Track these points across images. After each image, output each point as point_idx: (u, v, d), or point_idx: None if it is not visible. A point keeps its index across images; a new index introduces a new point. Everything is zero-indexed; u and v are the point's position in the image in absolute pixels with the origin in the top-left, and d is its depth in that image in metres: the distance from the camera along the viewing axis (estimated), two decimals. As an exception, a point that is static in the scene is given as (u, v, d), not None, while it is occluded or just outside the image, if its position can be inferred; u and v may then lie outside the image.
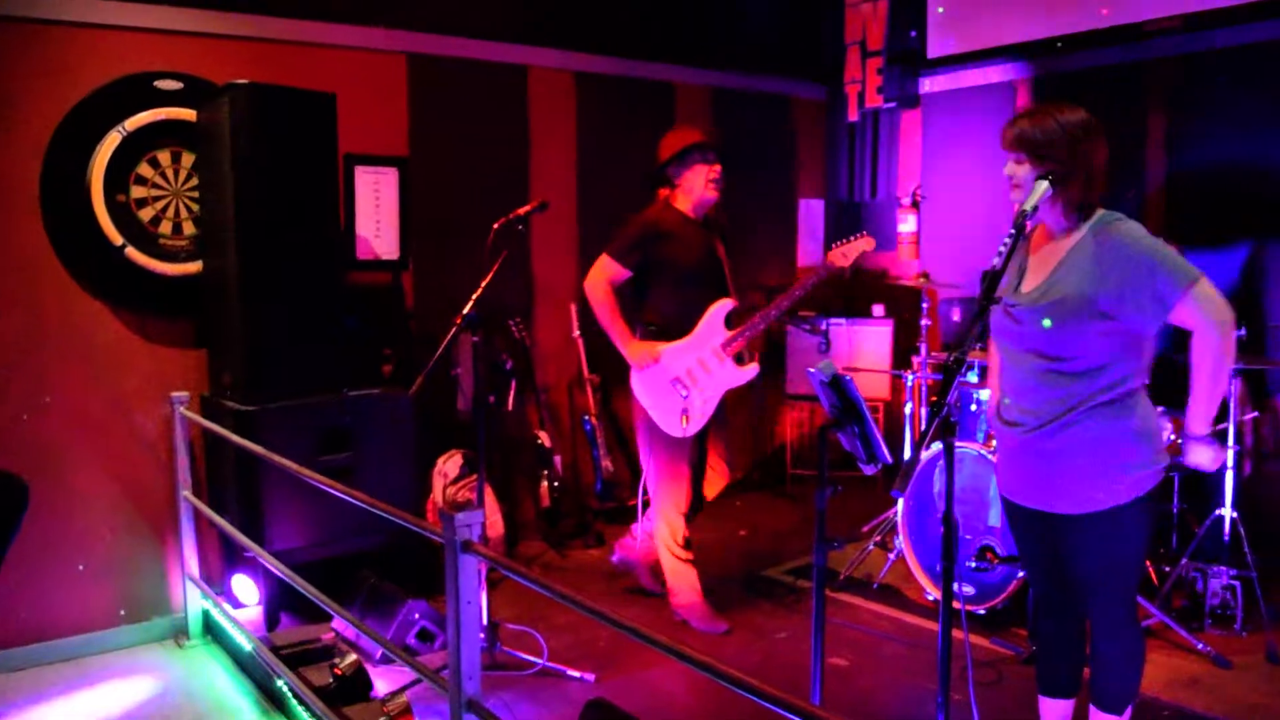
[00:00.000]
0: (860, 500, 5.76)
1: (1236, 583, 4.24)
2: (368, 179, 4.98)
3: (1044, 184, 2.57)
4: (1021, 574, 4.18)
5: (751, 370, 4.31)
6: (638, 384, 4.34)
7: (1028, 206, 2.52)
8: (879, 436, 2.38)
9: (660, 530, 4.45)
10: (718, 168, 4.32)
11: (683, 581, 4.46)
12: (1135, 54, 5.67)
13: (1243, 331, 4.29)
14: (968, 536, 4.38)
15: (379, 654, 4.00)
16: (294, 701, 3.62)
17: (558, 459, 5.58)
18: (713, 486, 4.60)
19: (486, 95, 5.59)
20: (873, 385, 6.63)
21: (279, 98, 4.15)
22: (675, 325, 4.33)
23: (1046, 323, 2.63)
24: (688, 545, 4.46)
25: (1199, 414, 2.66)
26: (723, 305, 4.32)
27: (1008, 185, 2.72)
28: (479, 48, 5.50)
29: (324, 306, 4.32)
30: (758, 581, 5.01)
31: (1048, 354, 2.68)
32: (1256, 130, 5.22)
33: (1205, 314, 2.54)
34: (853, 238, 4.18)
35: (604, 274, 4.33)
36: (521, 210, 4.07)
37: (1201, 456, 2.70)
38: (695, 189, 4.33)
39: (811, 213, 7.23)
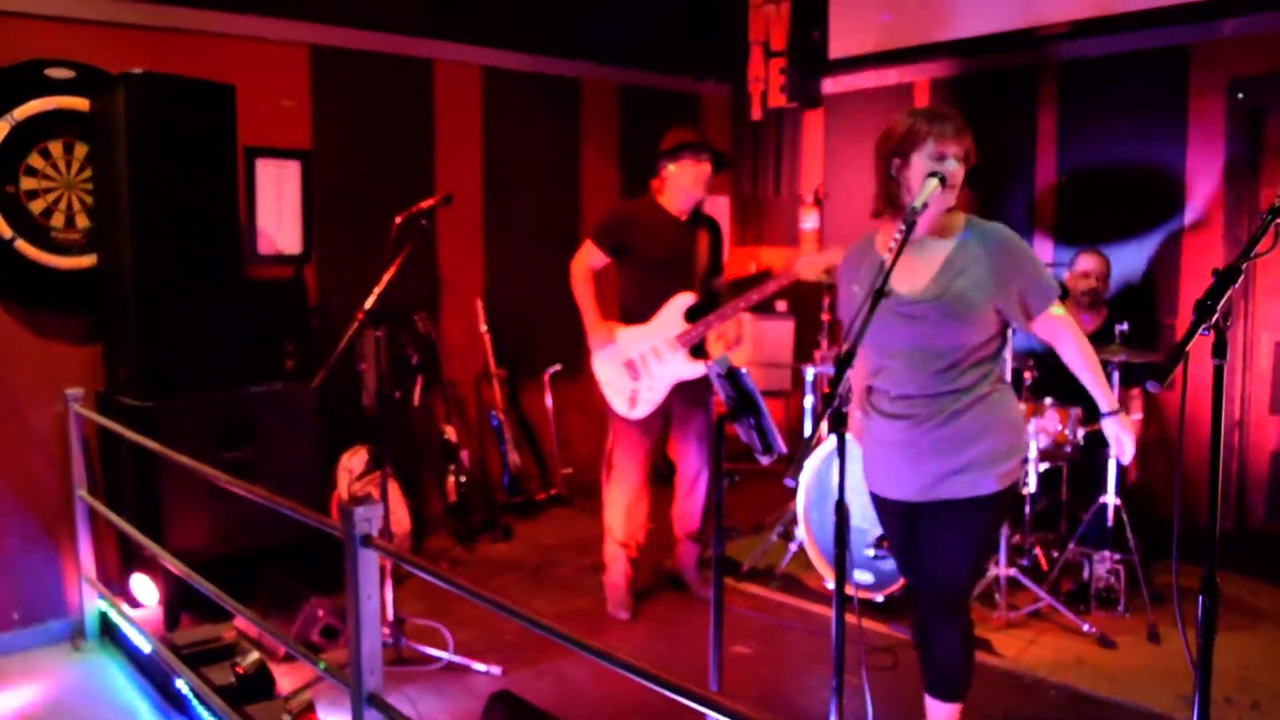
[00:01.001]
0: (763, 492, 5.86)
1: (1120, 566, 4.44)
2: (269, 172, 4.92)
3: (934, 181, 2.64)
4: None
5: (700, 366, 4.41)
6: (596, 362, 4.52)
7: (918, 204, 2.59)
8: (773, 427, 2.45)
9: (608, 509, 4.62)
10: (707, 167, 4.42)
11: (615, 563, 4.61)
12: (1029, 58, 5.87)
13: (1125, 325, 4.50)
14: (865, 525, 4.49)
15: (283, 652, 3.97)
16: (195, 702, 3.57)
17: (464, 454, 5.58)
18: (690, 492, 4.76)
19: (391, 88, 5.54)
20: (775, 379, 6.75)
21: (176, 88, 4.08)
22: (636, 313, 4.48)
23: (946, 318, 2.73)
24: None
25: (1104, 395, 2.84)
26: (683, 298, 4.43)
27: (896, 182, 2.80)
28: (384, 40, 5.46)
29: (223, 301, 4.25)
30: (664, 574, 5.06)
31: (934, 349, 2.77)
32: (1141, 133, 5.45)
33: (1068, 324, 2.81)
34: (824, 250, 4.33)
35: (584, 257, 4.52)
36: (425, 204, 4.06)
37: (1123, 427, 2.85)
38: (682, 185, 4.42)
39: (717, 209, 7.32)
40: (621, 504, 4.57)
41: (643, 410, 4.45)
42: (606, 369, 4.50)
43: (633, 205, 4.62)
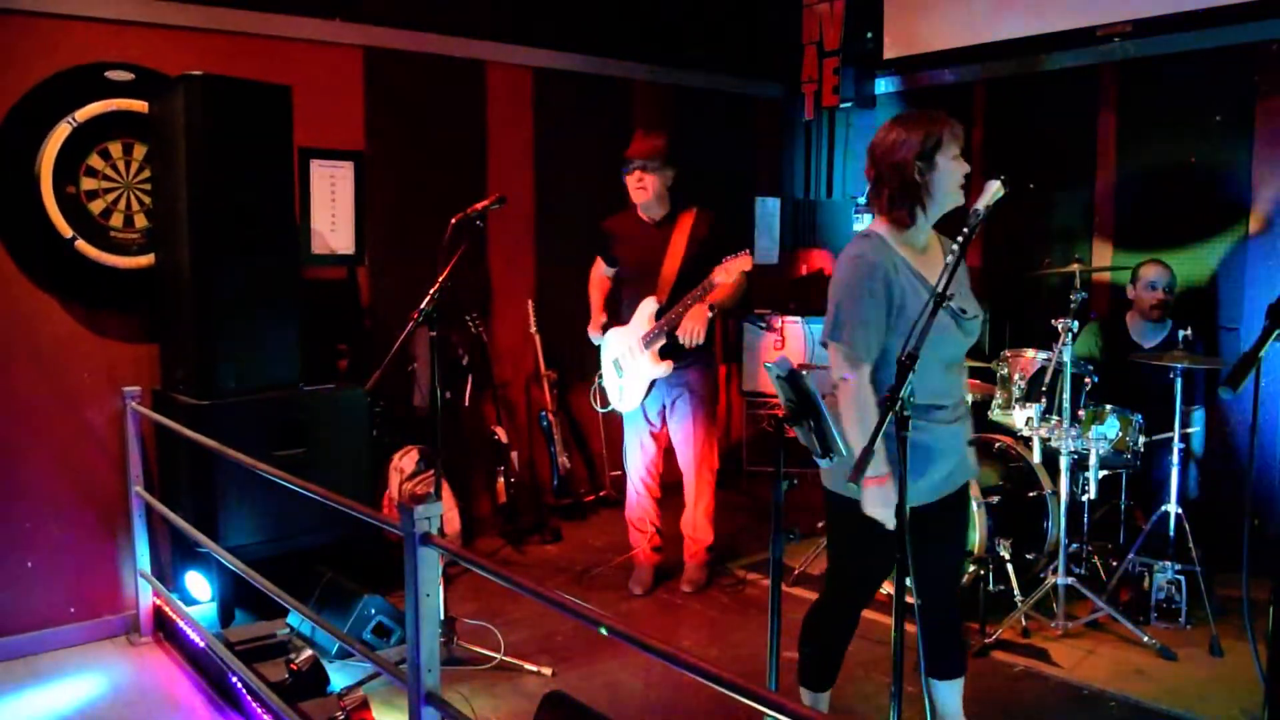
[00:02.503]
0: (817, 496, 5.80)
1: (1181, 577, 4.33)
2: (323, 173, 4.95)
3: (996, 183, 2.56)
4: (973, 567, 4.25)
5: (666, 366, 4.61)
6: (602, 360, 4.92)
7: (982, 206, 2.52)
8: (835, 430, 2.41)
9: (627, 506, 5.02)
10: (634, 175, 4.65)
11: (634, 541, 5.00)
12: (1088, 58, 5.77)
13: (1188, 331, 4.40)
14: (920, 531, 4.43)
15: (335, 649, 3.99)
16: (250, 697, 3.60)
17: (514, 455, 5.58)
18: (691, 489, 4.93)
19: (444, 90, 5.57)
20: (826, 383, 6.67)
21: (233, 90, 4.11)
22: (622, 316, 4.82)
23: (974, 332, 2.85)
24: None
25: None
26: (649, 302, 4.65)
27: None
28: (436, 42, 5.48)
29: (278, 301, 4.29)
30: (715, 576, 5.03)
31: (960, 356, 2.88)
32: (1206, 135, 5.33)
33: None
34: (737, 254, 4.31)
35: (597, 266, 5.03)
36: (479, 205, 4.07)
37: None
38: (630, 195, 4.73)
39: (767, 211, 7.27)
40: (631, 498, 4.98)
41: (629, 405, 4.79)
42: (604, 364, 4.90)
43: (618, 215, 4.90)
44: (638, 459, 4.91)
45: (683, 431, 4.77)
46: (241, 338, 4.17)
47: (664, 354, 4.60)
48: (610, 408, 4.96)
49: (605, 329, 4.88)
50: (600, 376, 4.96)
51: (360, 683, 3.61)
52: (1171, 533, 4.34)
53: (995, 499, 4.39)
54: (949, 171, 2.72)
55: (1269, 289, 5.07)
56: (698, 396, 4.72)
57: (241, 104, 4.13)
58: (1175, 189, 5.41)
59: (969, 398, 3.08)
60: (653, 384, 4.70)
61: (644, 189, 4.63)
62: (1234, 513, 4.71)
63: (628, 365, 4.74)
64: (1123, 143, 5.68)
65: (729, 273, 4.29)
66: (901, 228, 2.77)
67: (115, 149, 4.40)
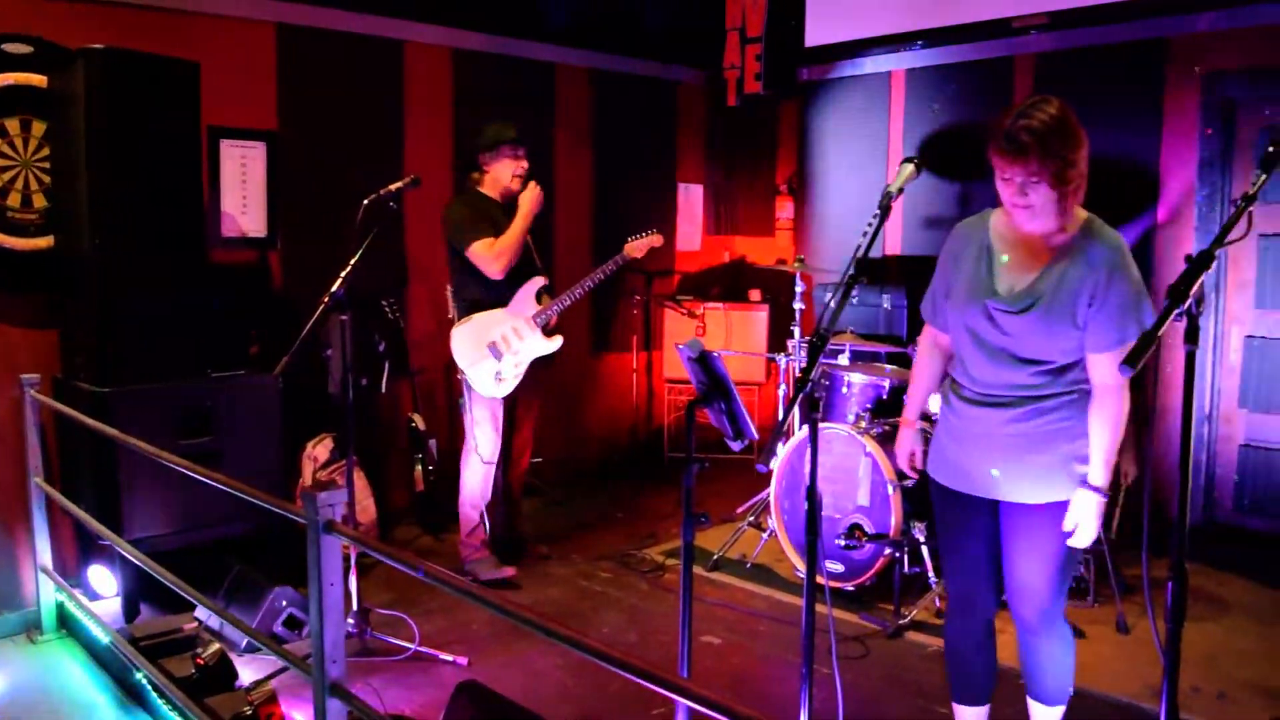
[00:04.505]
0: (736, 481, 5.85)
1: (1089, 558, 4.44)
2: (234, 153, 4.83)
3: (909, 166, 2.61)
4: (889, 550, 4.29)
5: (557, 341, 4.71)
6: (457, 348, 4.64)
7: (894, 188, 2.56)
8: (745, 412, 2.41)
9: (468, 485, 4.78)
10: (524, 162, 4.72)
11: (474, 537, 4.80)
12: (1004, 49, 5.86)
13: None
14: (837, 515, 4.48)
15: (244, 643, 3.90)
16: (154, 694, 3.50)
17: (432, 443, 5.51)
18: (523, 455, 5.06)
19: (360, 70, 5.45)
20: (748, 368, 6.72)
21: (137, 64, 3.98)
22: (491, 299, 4.65)
23: (1031, 328, 2.61)
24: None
25: (1100, 468, 2.59)
26: (535, 281, 4.70)
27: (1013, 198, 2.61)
28: (353, 20, 5.36)
29: (186, 285, 4.17)
30: (634, 562, 5.03)
31: (1020, 355, 2.65)
32: (1116, 126, 5.45)
33: (1116, 390, 2.57)
34: (646, 233, 4.86)
35: (489, 249, 4.54)
36: (393, 186, 4.00)
37: (1089, 509, 2.58)
38: (502, 179, 4.69)
39: (690, 197, 7.28)
40: (481, 475, 4.75)
41: (507, 388, 4.67)
42: (467, 354, 4.62)
43: (471, 199, 4.73)
44: (495, 441, 4.76)
45: (532, 401, 4.92)
46: (146, 323, 4.04)
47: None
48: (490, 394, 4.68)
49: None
50: (470, 369, 4.63)
51: (270, 676, 3.54)
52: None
53: (910, 482, 4.44)
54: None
55: (1176, 275, 5.20)
56: (544, 370, 4.83)
57: (146, 80, 4.00)
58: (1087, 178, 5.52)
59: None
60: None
61: (523, 178, 4.70)
62: (1138, 495, 4.83)
63: (512, 346, 4.62)
64: (1036, 132, 5.77)
65: (640, 249, 4.84)
66: None
67: (12, 125, 4.23)
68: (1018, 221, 2.63)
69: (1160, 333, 1.95)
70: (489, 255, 4.51)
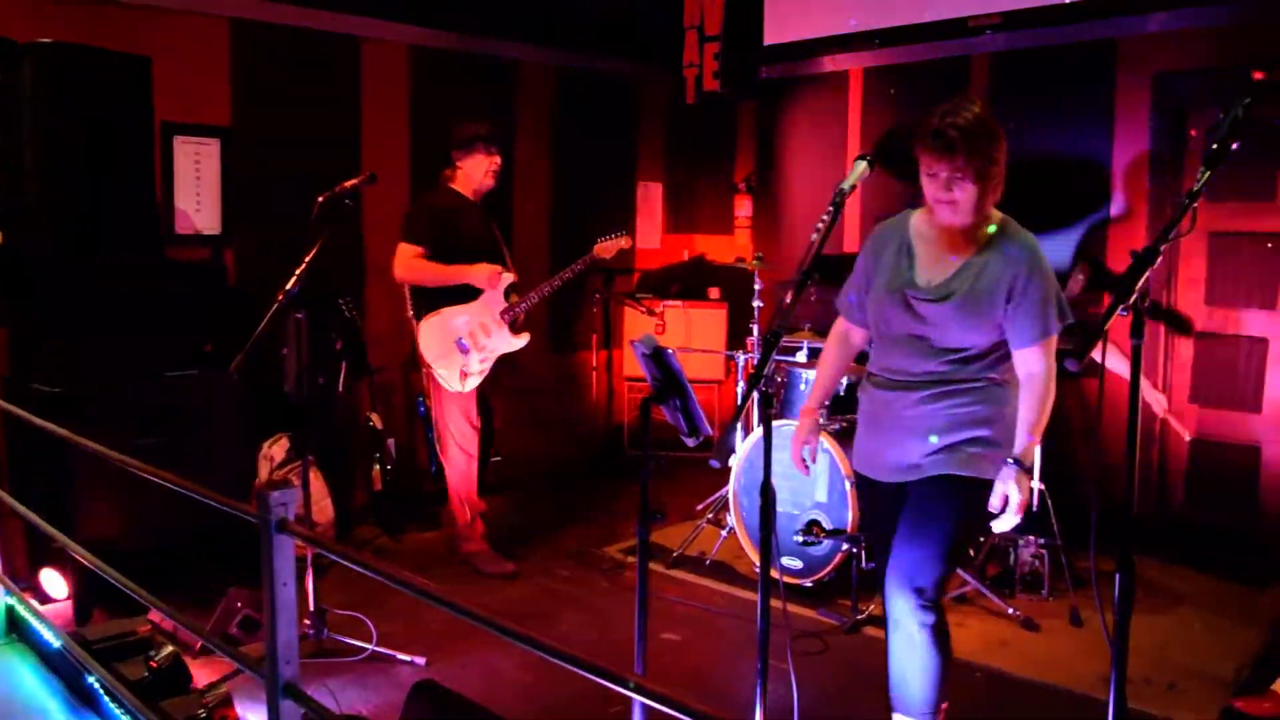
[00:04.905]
0: (696, 479, 5.86)
1: (1044, 551, 4.50)
2: (187, 149, 4.77)
3: (863, 163, 2.66)
4: (846, 546, 4.32)
5: (524, 338, 4.75)
6: (425, 345, 4.65)
7: (846, 185, 2.59)
8: (699, 409, 2.42)
9: (455, 481, 4.81)
10: (498, 159, 4.73)
11: (471, 531, 4.84)
12: (960, 49, 5.91)
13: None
14: (795, 511, 4.50)
15: (200, 645, 3.85)
16: (107, 698, 3.45)
17: (390, 442, 5.47)
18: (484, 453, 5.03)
19: (317, 66, 5.41)
20: (708, 366, 6.74)
21: (87, 59, 3.94)
22: (460, 294, 4.64)
23: (952, 319, 2.70)
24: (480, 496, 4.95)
25: (1023, 440, 2.68)
26: (505, 276, 4.69)
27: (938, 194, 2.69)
28: (307, 15, 5.31)
29: (138, 283, 4.12)
30: (594, 560, 5.03)
31: (937, 344, 2.74)
32: (1070, 126, 5.52)
33: (1042, 376, 2.68)
34: (616, 234, 4.84)
35: (409, 256, 4.59)
36: (348, 183, 3.97)
37: (1014, 481, 2.62)
38: (476, 175, 4.71)
39: (650, 195, 7.29)
40: (464, 470, 4.78)
41: (474, 383, 4.69)
42: (435, 349, 4.65)
43: (437, 196, 4.74)
44: (471, 433, 4.77)
45: (494, 399, 4.94)
46: (97, 322, 3.99)
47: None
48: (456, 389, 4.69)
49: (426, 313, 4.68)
50: (437, 365, 4.66)
51: (225, 679, 3.50)
52: (1035, 509, 4.50)
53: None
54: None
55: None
56: (505, 368, 4.84)
57: (97, 75, 3.96)
58: (1040, 177, 5.58)
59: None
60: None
61: (497, 174, 4.76)
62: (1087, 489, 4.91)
63: (479, 342, 4.66)
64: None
65: (609, 250, 4.80)
66: None
67: (-42, 121, 4.16)
68: (941, 216, 2.73)
69: (1106, 326, 1.98)
70: (405, 260, 4.56)
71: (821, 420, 3.29)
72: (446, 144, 4.79)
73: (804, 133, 6.75)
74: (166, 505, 4.03)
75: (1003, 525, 2.67)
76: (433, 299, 4.64)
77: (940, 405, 2.75)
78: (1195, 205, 2.07)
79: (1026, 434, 2.67)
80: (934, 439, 2.76)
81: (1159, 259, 2.01)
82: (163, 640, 3.69)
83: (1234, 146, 2.07)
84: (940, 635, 2.74)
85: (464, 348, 4.64)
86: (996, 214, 2.80)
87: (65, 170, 3.87)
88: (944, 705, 2.78)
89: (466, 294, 4.64)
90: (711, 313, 6.82)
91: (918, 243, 2.84)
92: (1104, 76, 5.41)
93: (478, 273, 4.60)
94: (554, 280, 4.75)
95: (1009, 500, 2.62)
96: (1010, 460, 2.64)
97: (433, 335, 4.64)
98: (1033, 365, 2.69)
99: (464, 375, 4.65)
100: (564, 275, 4.74)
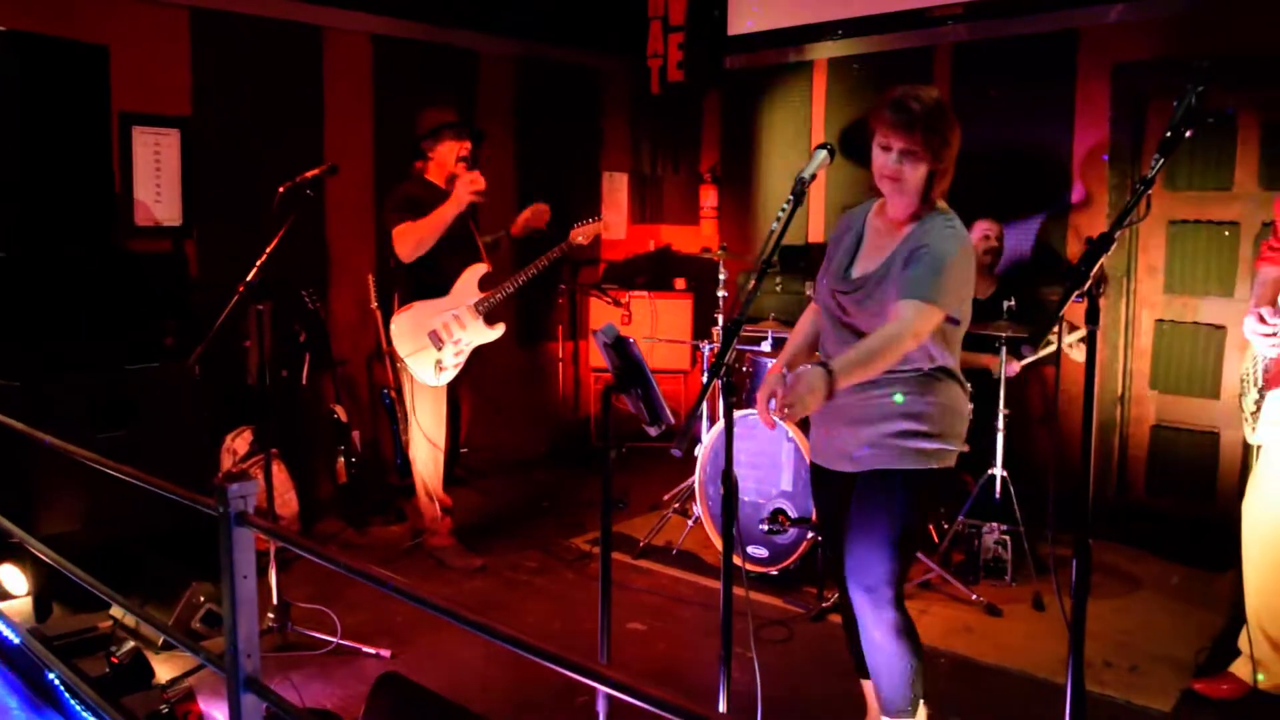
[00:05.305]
0: (662, 468, 5.86)
1: (1007, 537, 4.54)
2: (147, 140, 4.71)
3: (823, 152, 2.65)
4: (811, 534, 4.35)
5: (499, 329, 4.71)
6: (397, 337, 4.61)
7: (806, 174, 2.59)
8: (660, 398, 2.42)
9: (424, 475, 4.77)
10: (467, 145, 4.67)
11: (439, 525, 4.81)
12: (923, 38, 5.94)
13: (1011, 301, 4.59)
14: (760, 500, 4.52)
15: (162, 640, 3.82)
16: (68, 695, 3.41)
17: (355, 434, 5.44)
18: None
19: (278, 55, 5.35)
20: (673, 356, 6.74)
21: (42, 48, 3.88)
22: (433, 288, 4.61)
23: (862, 306, 2.71)
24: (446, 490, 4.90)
25: (845, 357, 2.53)
26: (477, 269, 4.68)
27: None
28: (269, 5, 5.25)
29: (97, 275, 4.07)
30: (560, 551, 5.03)
31: (858, 331, 2.73)
32: (1031, 114, 5.56)
33: (914, 320, 2.54)
34: (589, 220, 4.83)
35: (404, 228, 4.49)
36: (309, 174, 3.93)
37: (812, 383, 2.42)
38: (446, 164, 4.65)
39: (615, 185, 7.28)
40: (432, 460, 4.74)
41: (448, 376, 4.65)
42: (407, 343, 4.60)
43: (412, 186, 4.67)
44: (441, 426, 4.75)
45: (463, 390, 4.89)
46: (56, 315, 3.94)
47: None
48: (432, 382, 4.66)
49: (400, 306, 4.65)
50: (411, 359, 4.61)
51: (187, 674, 3.47)
52: (997, 496, 4.54)
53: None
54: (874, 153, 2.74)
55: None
56: (474, 356, 4.76)
57: (52, 64, 3.89)
58: (1001, 166, 5.62)
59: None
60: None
61: (468, 161, 4.68)
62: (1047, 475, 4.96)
63: (453, 334, 4.61)
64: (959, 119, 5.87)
65: (586, 235, 4.79)
66: None
67: (-91, 111, 4.08)
68: (884, 191, 2.74)
69: (1061, 312, 2.00)
70: (402, 233, 4.46)
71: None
72: (411, 133, 4.73)
73: (769, 123, 6.76)
74: (128, 499, 3.99)
75: (781, 416, 2.49)
76: (405, 292, 4.61)
77: (867, 394, 2.72)
78: (1150, 192, 2.09)
79: (855, 356, 2.51)
80: (865, 430, 2.75)
81: (1113, 245, 2.03)
82: (124, 636, 3.66)
83: (1187, 134, 2.09)
84: (901, 633, 2.73)
85: (438, 340, 4.59)
86: (943, 205, 2.79)
87: (20, 161, 3.80)
88: (921, 702, 2.79)
89: (439, 288, 4.61)
90: (677, 303, 6.83)
91: (868, 232, 2.86)
92: (1065, 66, 5.46)
93: (458, 192, 4.47)
94: (529, 269, 4.69)
95: (797, 399, 2.40)
96: (823, 365, 2.45)
97: (405, 329, 4.59)
98: (893, 317, 2.55)
99: (440, 368, 4.61)
100: (539, 264, 4.69)
